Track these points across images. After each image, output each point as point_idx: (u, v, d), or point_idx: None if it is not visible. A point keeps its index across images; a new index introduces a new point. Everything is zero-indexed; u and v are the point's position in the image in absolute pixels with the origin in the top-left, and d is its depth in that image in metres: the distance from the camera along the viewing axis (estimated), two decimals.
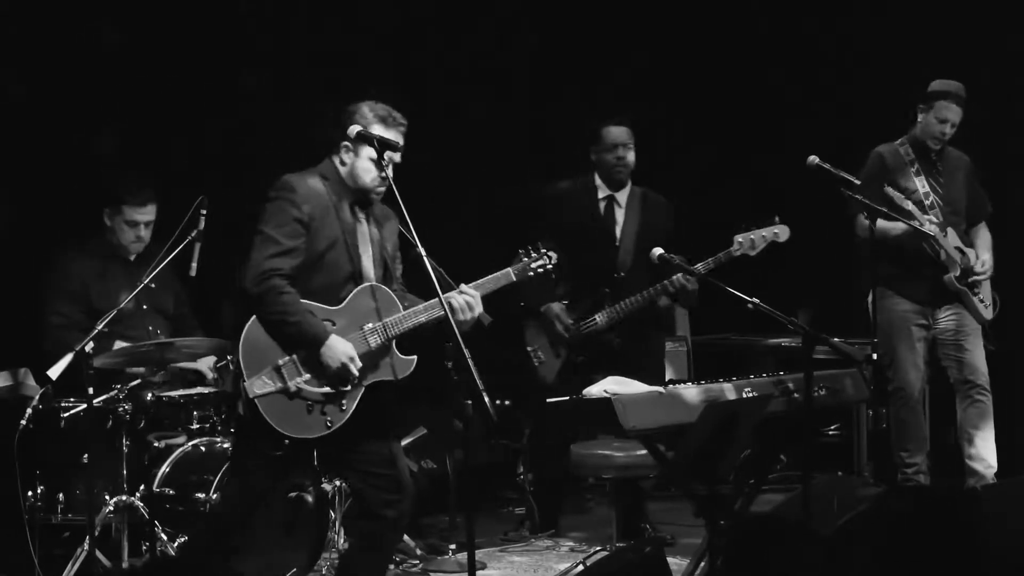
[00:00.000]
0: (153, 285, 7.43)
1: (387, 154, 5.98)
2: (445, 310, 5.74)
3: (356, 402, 5.95)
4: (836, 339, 6.42)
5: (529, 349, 8.16)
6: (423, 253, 5.81)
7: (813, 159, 7.56)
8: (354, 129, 5.95)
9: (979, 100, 8.43)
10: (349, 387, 5.92)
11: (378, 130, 6.00)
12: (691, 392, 6.33)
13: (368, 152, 5.99)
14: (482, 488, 9.50)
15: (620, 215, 8.35)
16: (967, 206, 8.50)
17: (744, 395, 6.42)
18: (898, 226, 8.13)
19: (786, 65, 10.68)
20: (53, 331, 7.62)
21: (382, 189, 6.04)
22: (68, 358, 6.81)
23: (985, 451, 8.40)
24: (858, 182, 7.54)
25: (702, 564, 6.64)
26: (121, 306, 7.21)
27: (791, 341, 9.18)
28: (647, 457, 6.90)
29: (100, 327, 7.01)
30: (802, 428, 6.73)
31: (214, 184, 7.46)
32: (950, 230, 8.29)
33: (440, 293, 5.75)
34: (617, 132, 8.29)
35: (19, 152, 8.28)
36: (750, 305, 6.33)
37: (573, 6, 10.71)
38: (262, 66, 9.11)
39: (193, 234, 7.21)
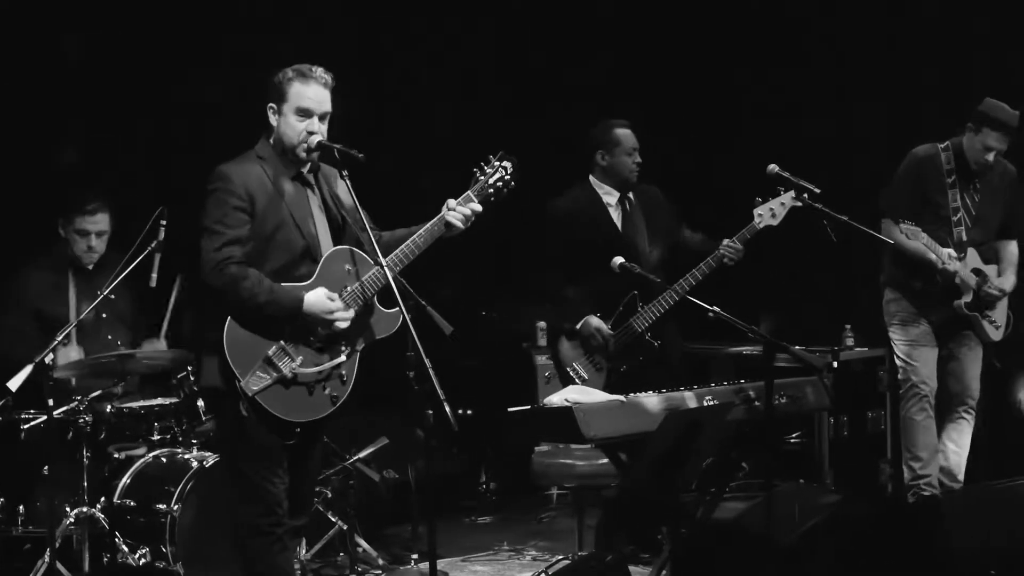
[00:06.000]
0: (112, 296, 7.41)
1: (313, 107, 5.93)
2: (409, 327, 5.71)
3: (355, 371, 5.95)
4: (797, 347, 6.43)
5: (568, 369, 8.00)
6: (384, 264, 5.79)
7: (773, 167, 7.54)
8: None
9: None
10: (344, 357, 5.91)
11: (297, 86, 5.93)
12: (652, 400, 6.34)
13: (291, 108, 5.93)
14: (444, 498, 9.49)
15: (630, 216, 8.19)
16: (1002, 221, 8.35)
17: (705, 403, 6.44)
18: (916, 246, 8.04)
19: (746, 67, 10.70)
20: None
21: (312, 145, 5.93)
22: (28, 370, 6.79)
23: (956, 467, 8.35)
24: (818, 191, 7.48)
25: (664, 572, 6.65)
26: (81, 317, 7.20)
27: (752, 349, 9.19)
28: (609, 466, 6.91)
29: (59, 339, 7.00)
30: (763, 436, 6.75)
31: (174, 194, 7.45)
32: (971, 251, 8.18)
33: (403, 305, 5.71)
34: (631, 135, 8.15)
35: None
36: (711, 314, 6.34)
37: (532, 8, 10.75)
38: (226, 74, 9.09)
39: (153, 244, 7.21)
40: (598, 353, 7.91)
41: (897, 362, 8.38)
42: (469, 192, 6.10)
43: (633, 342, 7.90)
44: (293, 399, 5.82)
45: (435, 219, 6.03)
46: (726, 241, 7.80)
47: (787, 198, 7.71)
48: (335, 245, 6.02)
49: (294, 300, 5.79)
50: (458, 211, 6.02)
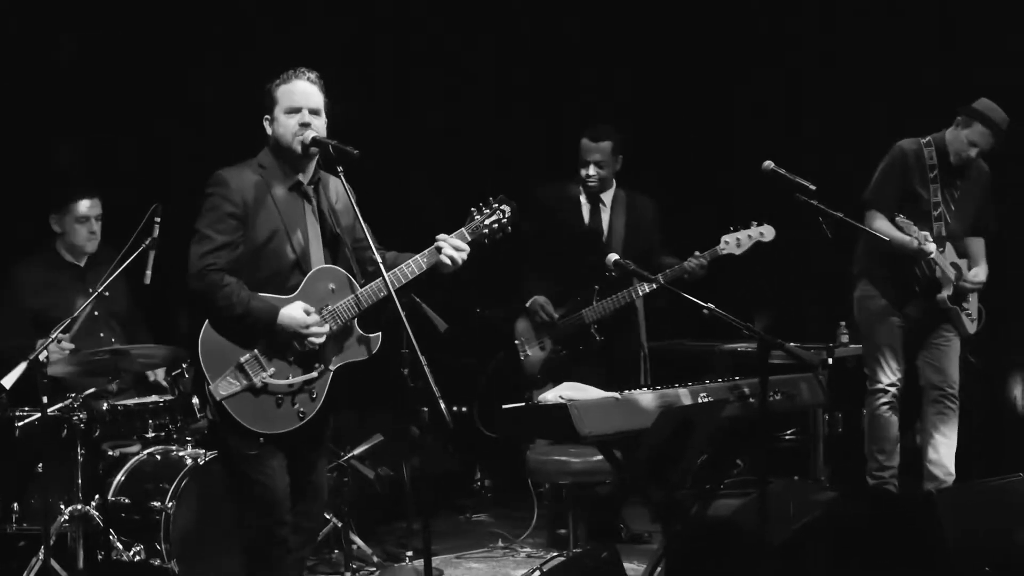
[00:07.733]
0: (107, 293, 7.40)
1: (300, 101, 5.93)
2: (404, 324, 5.65)
3: (327, 389, 5.94)
4: (791, 344, 6.42)
5: (516, 343, 8.21)
6: (379, 261, 5.77)
7: (768, 164, 7.54)
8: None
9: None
10: (316, 374, 5.90)
11: (283, 88, 5.95)
12: (647, 398, 6.32)
13: (282, 109, 5.94)
14: (439, 495, 9.49)
15: (606, 216, 8.43)
16: (974, 218, 8.46)
17: (700, 400, 6.42)
18: (901, 236, 8.10)
19: (738, 68, 10.70)
20: None
21: (307, 141, 5.92)
22: (22, 367, 6.77)
23: (946, 458, 8.38)
24: (813, 187, 7.48)
25: (659, 569, 6.65)
26: (76, 314, 7.19)
27: (747, 346, 9.19)
28: (603, 463, 6.90)
29: (54, 336, 6.99)
30: (758, 433, 6.75)
31: (168, 191, 7.43)
32: (948, 245, 8.28)
33: (399, 308, 5.65)
34: (588, 146, 8.40)
35: None
36: (705, 310, 6.33)
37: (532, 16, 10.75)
38: (219, 73, 9.08)
39: (147, 242, 7.18)
40: (544, 331, 8.23)
41: (866, 359, 8.44)
42: (463, 230, 6.12)
43: (578, 331, 8.12)
44: (260, 409, 5.81)
45: (427, 252, 6.02)
46: (696, 253, 7.95)
47: (755, 232, 8.03)
48: (328, 260, 6.03)
49: (270, 313, 5.79)
50: (448, 251, 5.99)
